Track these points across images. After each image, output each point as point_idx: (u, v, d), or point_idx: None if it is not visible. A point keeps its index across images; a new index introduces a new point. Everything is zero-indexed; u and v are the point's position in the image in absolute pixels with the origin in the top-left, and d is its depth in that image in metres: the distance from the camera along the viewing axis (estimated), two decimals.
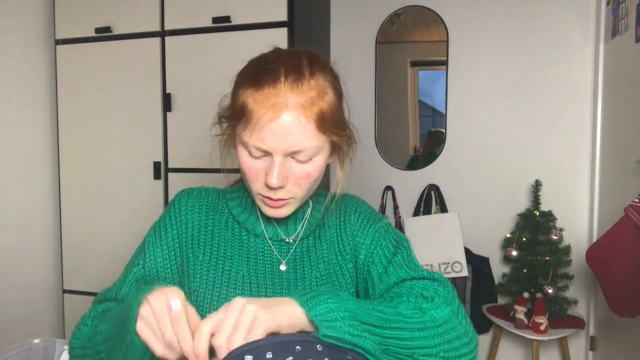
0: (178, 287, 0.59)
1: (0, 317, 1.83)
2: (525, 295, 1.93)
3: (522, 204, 2.16)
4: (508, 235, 2.10)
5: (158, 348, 0.56)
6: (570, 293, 2.03)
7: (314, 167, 0.72)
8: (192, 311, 0.57)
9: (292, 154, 0.70)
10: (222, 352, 0.53)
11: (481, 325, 2.13)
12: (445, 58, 2.26)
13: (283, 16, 1.75)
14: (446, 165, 2.28)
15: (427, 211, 2.25)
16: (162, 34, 1.89)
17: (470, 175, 2.25)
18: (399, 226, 2.25)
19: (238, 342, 0.52)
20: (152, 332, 0.56)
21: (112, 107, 1.96)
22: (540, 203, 2.03)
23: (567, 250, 1.95)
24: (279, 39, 1.74)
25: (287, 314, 0.57)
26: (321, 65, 0.72)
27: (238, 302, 0.56)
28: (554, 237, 1.93)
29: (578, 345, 2.11)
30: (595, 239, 1.99)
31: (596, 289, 1.99)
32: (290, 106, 0.67)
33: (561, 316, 1.93)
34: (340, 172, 0.80)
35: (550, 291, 1.87)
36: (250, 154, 0.71)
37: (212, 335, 0.54)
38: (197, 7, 1.83)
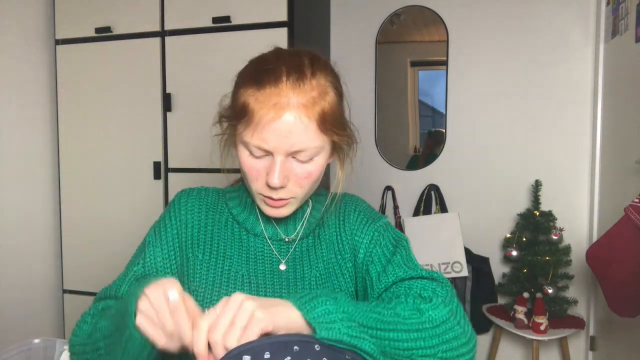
0: (175, 278, 0.59)
1: (0, 317, 1.83)
2: (525, 295, 1.93)
3: (522, 204, 2.16)
4: (508, 235, 2.10)
5: (161, 340, 0.56)
6: (570, 293, 2.03)
7: (315, 167, 0.72)
8: (190, 301, 0.57)
9: (293, 154, 0.70)
10: (217, 348, 0.53)
11: (481, 325, 2.13)
12: (445, 58, 2.26)
13: (283, 16, 1.75)
14: (446, 165, 2.28)
15: (427, 211, 2.25)
16: (162, 34, 1.89)
17: (470, 175, 2.25)
18: (399, 226, 2.25)
19: (233, 338, 0.52)
20: (153, 325, 0.56)
21: (112, 107, 1.96)
22: (540, 203, 2.03)
23: (567, 250, 1.95)
24: (279, 39, 1.74)
25: (285, 316, 0.57)
26: (322, 65, 0.72)
27: (237, 297, 0.56)
28: (554, 237, 1.93)
29: (578, 345, 2.11)
30: (595, 239, 1.99)
31: (596, 289, 1.99)
32: (292, 106, 0.66)
33: (561, 316, 1.93)
34: (340, 172, 0.80)
35: (550, 291, 1.87)
36: (251, 153, 0.71)
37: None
38: (197, 7, 1.84)
